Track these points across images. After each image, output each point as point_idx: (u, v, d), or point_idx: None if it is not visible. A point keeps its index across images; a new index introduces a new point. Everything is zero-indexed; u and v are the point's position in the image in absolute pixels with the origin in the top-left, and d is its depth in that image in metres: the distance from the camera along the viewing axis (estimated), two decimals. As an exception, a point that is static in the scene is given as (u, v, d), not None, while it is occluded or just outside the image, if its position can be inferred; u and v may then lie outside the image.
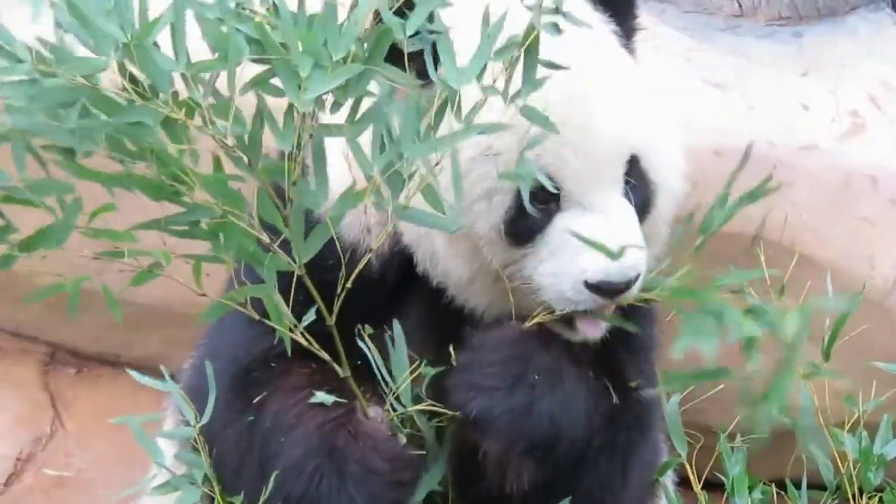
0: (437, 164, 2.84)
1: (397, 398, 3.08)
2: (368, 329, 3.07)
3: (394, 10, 2.69)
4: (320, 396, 3.08)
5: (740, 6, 4.51)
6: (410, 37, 2.71)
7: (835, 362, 3.47)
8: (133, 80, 2.60)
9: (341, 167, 2.91)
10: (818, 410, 3.53)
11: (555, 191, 3.00)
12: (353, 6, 2.65)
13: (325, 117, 2.72)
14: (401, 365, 3.07)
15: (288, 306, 2.89)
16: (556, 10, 2.75)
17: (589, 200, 3.05)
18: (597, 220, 3.04)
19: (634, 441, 3.27)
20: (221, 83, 2.66)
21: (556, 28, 2.77)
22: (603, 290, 3.03)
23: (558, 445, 3.04)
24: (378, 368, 3.07)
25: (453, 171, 2.77)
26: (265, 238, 2.78)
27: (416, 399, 3.09)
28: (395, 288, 3.24)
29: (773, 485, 3.67)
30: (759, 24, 4.51)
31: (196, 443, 3.22)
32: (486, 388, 3.01)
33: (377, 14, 2.67)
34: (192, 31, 2.61)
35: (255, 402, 3.18)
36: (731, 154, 4.11)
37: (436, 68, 2.75)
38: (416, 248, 3.18)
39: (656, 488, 3.58)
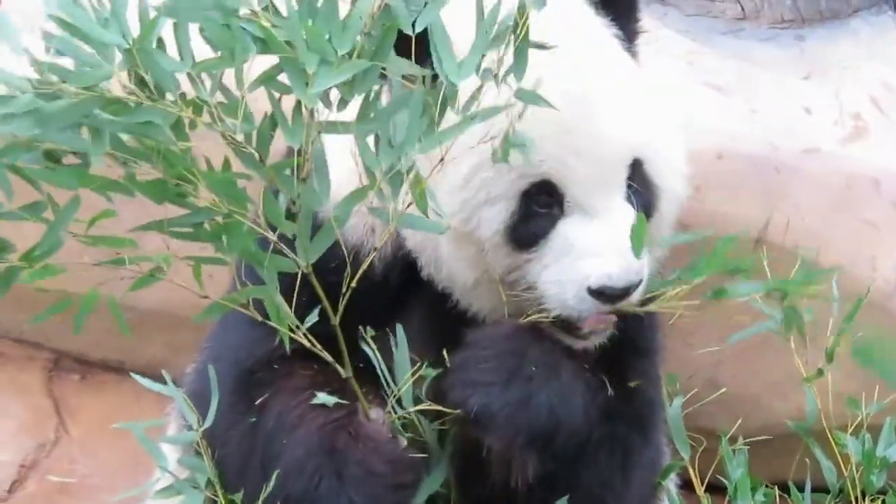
0: (441, 158, 2.86)
1: (399, 400, 3.08)
2: (370, 331, 3.07)
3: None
4: (322, 398, 3.09)
5: (743, 9, 4.51)
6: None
7: (837, 365, 3.48)
8: (140, 82, 2.61)
9: (346, 166, 2.91)
10: (821, 413, 3.53)
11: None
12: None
13: (331, 115, 2.73)
14: (403, 366, 3.08)
15: (291, 307, 2.90)
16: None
17: (592, 206, 3.06)
18: (600, 225, 3.05)
19: (635, 440, 3.28)
20: (227, 81, 2.67)
21: (542, 2, 2.78)
22: (605, 295, 3.03)
23: (558, 436, 3.05)
24: (380, 370, 3.08)
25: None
26: (272, 237, 2.79)
27: (417, 401, 3.09)
28: (398, 291, 3.24)
29: (776, 487, 3.66)
30: (762, 28, 4.51)
31: (199, 447, 3.23)
32: (482, 384, 3.01)
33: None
34: (192, 28, 2.63)
35: (257, 403, 3.18)
36: (734, 157, 4.12)
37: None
38: (420, 253, 3.19)
39: (659, 491, 3.58)
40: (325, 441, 3.08)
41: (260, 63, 2.66)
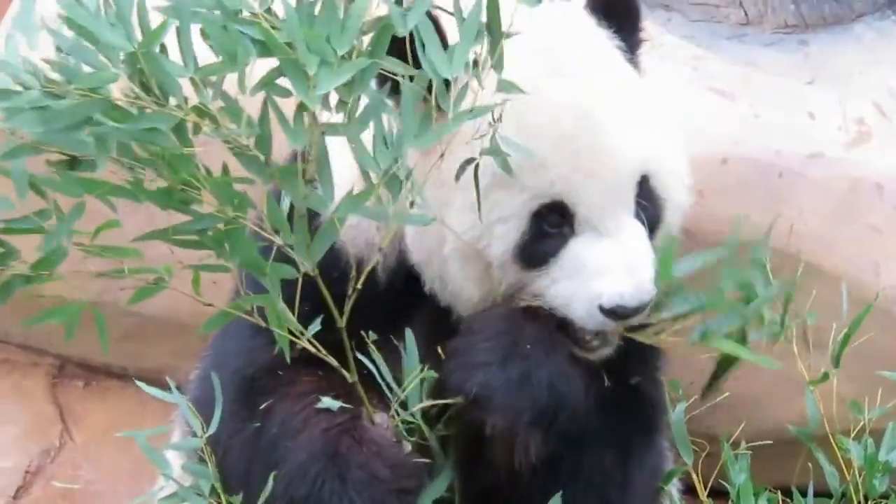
0: (441, 154, 2.89)
1: (403, 404, 3.08)
2: (373, 336, 3.07)
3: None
4: (326, 402, 3.08)
5: (746, 15, 4.51)
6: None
7: (840, 369, 3.48)
8: (143, 87, 2.62)
9: (345, 167, 2.91)
10: (823, 418, 3.53)
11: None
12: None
13: (326, 117, 2.74)
14: (412, 369, 3.07)
15: (294, 314, 2.90)
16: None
17: (603, 224, 3.08)
18: (611, 244, 3.08)
19: (637, 436, 3.30)
20: (228, 86, 2.68)
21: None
22: (617, 314, 3.05)
23: (561, 411, 3.05)
24: (382, 376, 3.08)
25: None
26: (278, 241, 2.80)
27: (419, 401, 3.09)
28: (400, 301, 3.24)
29: (779, 492, 3.66)
30: (766, 33, 4.50)
31: (203, 453, 3.23)
32: (480, 365, 3.02)
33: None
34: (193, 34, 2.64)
35: (261, 409, 3.19)
36: (738, 162, 4.12)
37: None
38: (424, 269, 3.19)
39: (662, 496, 3.58)
40: (329, 445, 3.09)
41: (259, 68, 2.66)
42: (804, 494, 3.64)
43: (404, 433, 3.11)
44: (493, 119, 2.86)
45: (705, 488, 3.64)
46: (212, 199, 2.71)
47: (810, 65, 4.45)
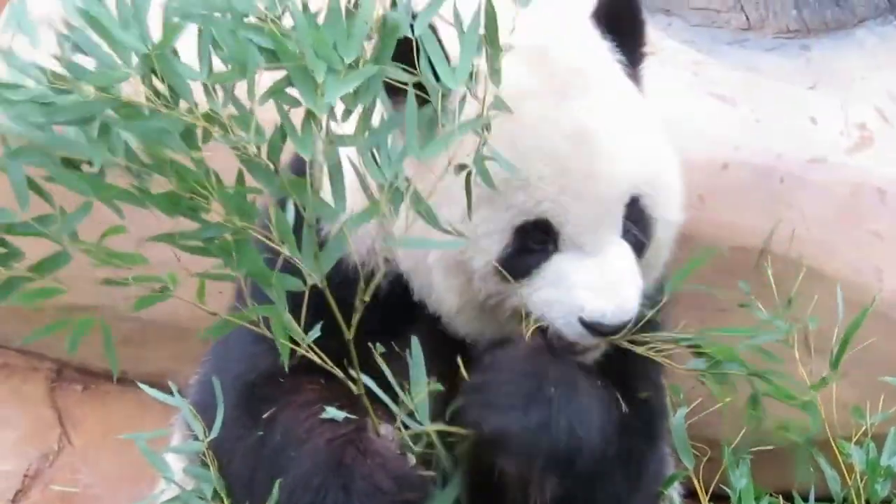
0: (449, 163, 2.87)
1: (411, 415, 3.07)
2: (380, 348, 3.05)
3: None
4: (331, 412, 3.07)
5: (748, 19, 4.51)
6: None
7: (843, 375, 3.47)
8: (154, 90, 2.62)
9: (347, 178, 2.90)
10: (825, 422, 3.52)
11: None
12: (356, 4, 2.65)
13: (337, 127, 2.74)
14: (419, 381, 3.05)
15: (299, 324, 2.89)
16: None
17: (588, 243, 3.06)
18: (595, 263, 3.06)
19: (645, 450, 3.29)
20: (238, 93, 2.67)
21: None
22: (595, 329, 3.04)
23: (579, 457, 3.04)
24: (389, 387, 3.06)
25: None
26: (286, 252, 2.79)
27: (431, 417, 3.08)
28: (401, 306, 3.24)
29: (781, 497, 3.66)
30: (767, 38, 4.50)
31: (205, 457, 3.22)
32: (501, 407, 3.01)
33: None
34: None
35: (264, 417, 3.18)
36: (739, 167, 4.12)
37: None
38: (411, 278, 3.19)
39: (662, 501, 3.57)
40: (333, 456, 3.08)
41: (267, 77, 2.65)
42: (806, 499, 3.64)
43: (410, 444, 3.10)
44: (481, 131, 2.84)
45: (706, 493, 3.63)
46: (219, 208, 2.70)
47: (812, 70, 4.45)
